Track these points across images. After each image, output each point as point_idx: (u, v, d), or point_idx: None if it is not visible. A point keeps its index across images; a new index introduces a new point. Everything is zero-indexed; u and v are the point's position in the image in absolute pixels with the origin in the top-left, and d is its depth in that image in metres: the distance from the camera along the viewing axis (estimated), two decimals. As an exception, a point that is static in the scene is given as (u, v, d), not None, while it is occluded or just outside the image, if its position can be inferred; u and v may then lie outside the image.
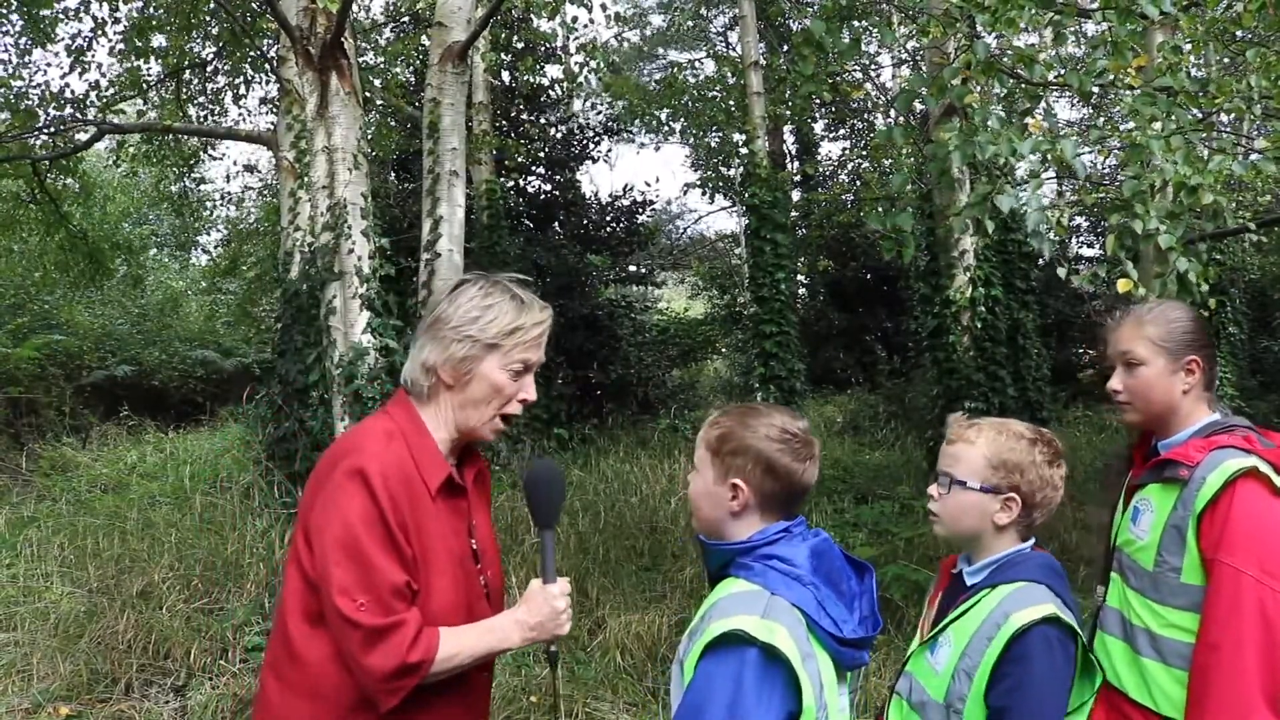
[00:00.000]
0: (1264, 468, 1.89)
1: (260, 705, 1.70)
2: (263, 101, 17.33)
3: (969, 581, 1.87)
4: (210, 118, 11.44)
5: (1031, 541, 1.87)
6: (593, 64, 8.14)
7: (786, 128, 16.83)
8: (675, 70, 14.74)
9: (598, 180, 55.47)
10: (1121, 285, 3.77)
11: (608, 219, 13.78)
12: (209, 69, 11.10)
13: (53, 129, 9.89)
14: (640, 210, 13.80)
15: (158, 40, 10.20)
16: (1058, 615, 1.68)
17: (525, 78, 12.33)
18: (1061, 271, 5.34)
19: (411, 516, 1.62)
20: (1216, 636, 1.84)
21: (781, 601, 1.49)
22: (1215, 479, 1.90)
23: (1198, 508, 1.91)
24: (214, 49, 10.88)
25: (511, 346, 1.71)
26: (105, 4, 9.64)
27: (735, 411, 1.67)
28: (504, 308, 1.71)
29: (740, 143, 11.15)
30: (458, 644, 1.63)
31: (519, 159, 12.23)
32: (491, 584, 1.81)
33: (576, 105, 14.68)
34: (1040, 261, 13.85)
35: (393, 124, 12.54)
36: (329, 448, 1.75)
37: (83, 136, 10.21)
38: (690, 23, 20.60)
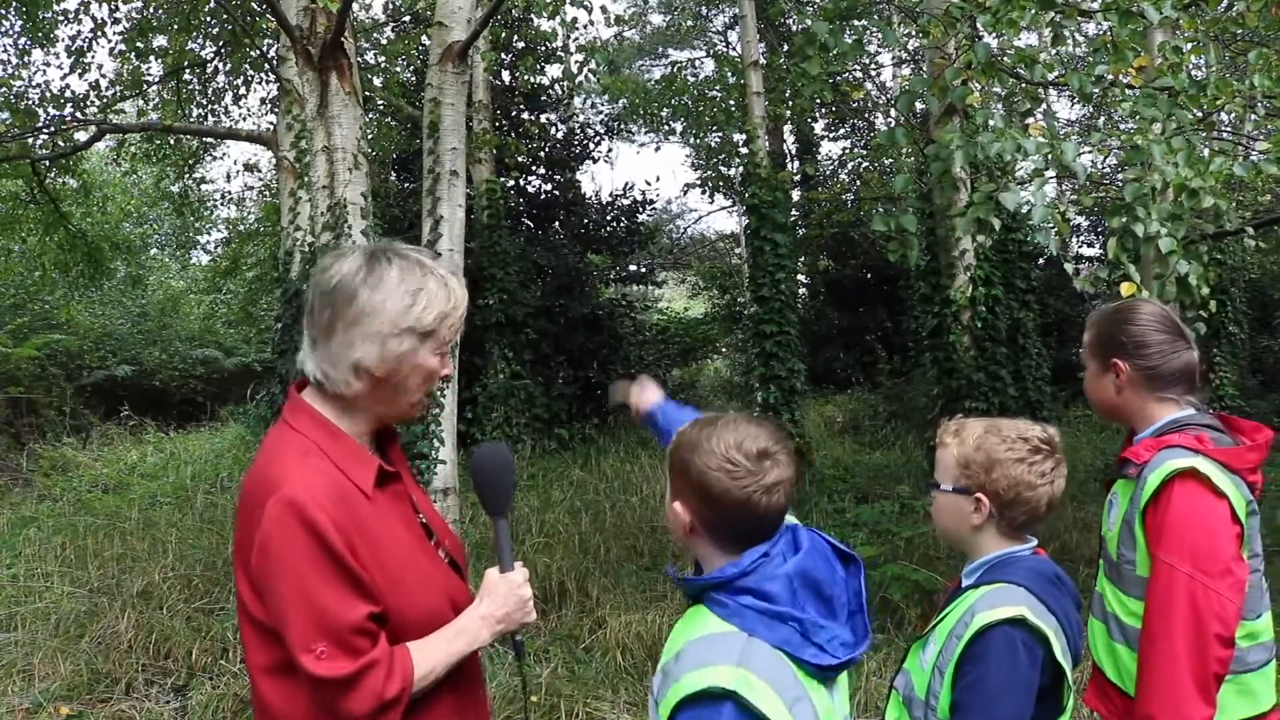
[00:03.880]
0: (1205, 467, 1.95)
1: None
2: (263, 101, 17.33)
3: (964, 583, 1.89)
4: (210, 118, 11.44)
5: (1032, 544, 1.87)
6: (593, 64, 8.14)
7: (786, 128, 16.83)
8: (675, 70, 14.74)
9: (598, 180, 55.46)
10: (1125, 289, 3.77)
11: (608, 218, 13.77)
12: (209, 69, 11.09)
13: (53, 129, 9.88)
14: (640, 210, 13.79)
15: (158, 41, 10.20)
16: (1025, 617, 1.67)
17: (525, 77, 12.33)
18: (1069, 267, 5.33)
19: (358, 531, 1.49)
20: (1153, 629, 1.94)
21: (760, 645, 1.38)
22: (1154, 479, 1.98)
23: (1141, 505, 2.00)
24: (214, 49, 10.87)
25: (446, 330, 1.59)
26: (105, 4, 9.64)
27: (700, 424, 1.51)
28: (432, 289, 1.56)
29: (740, 143, 11.15)
30: (430, 659, 1.54)
31: (519, 158, 12.22)
32: (452, 552, 1.72)
33: (577, 103, 14.68)
34: (1040, 261, 13.89)
35: (393, 124, 12.54)
36: (247, 477, 1.56)
37: (83, 136, 10.22)
38: (690, 22, 20.60)
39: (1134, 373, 2.10)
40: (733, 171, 16.84)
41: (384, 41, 13.04)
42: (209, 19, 10.30)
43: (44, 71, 35.97)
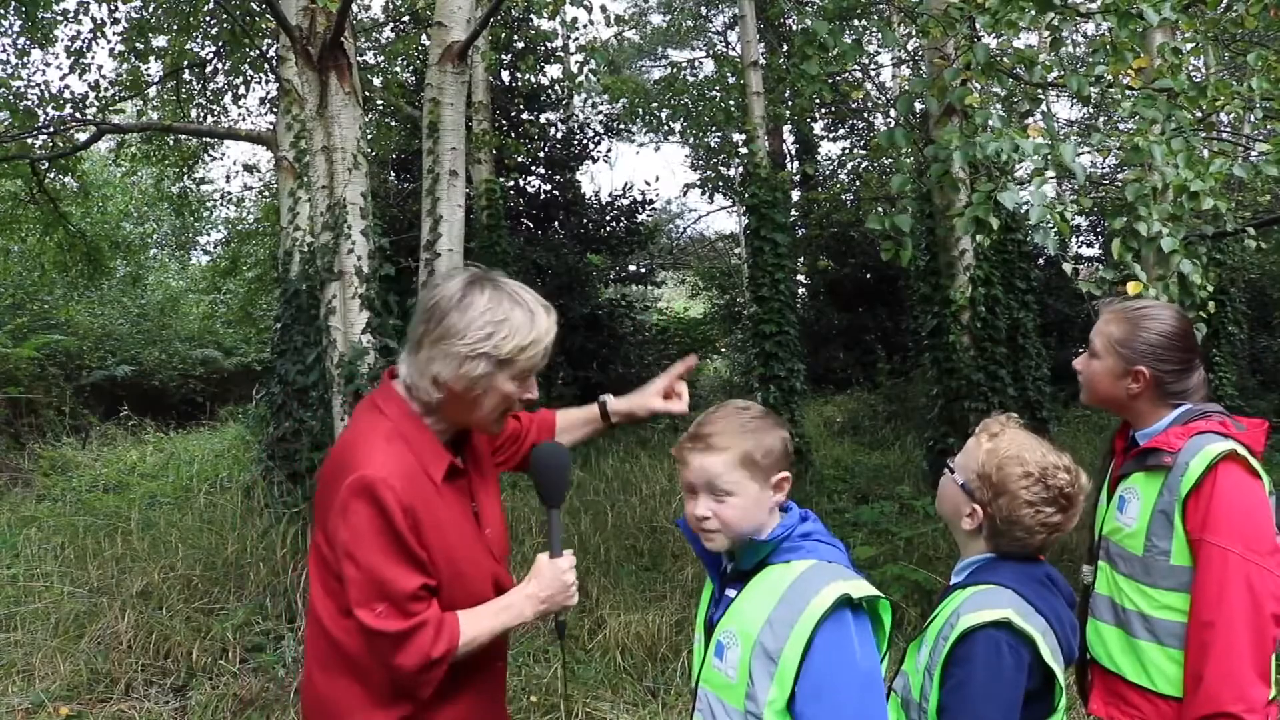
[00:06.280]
0: (1241, 450, 1.98)
1: (308, 696, 1.80)
2: (263, 101, 17.32)
3: (952, 581, 1.89)
4: (210, 118, 11.43)
5: None
6: (592, 64, 8.14)
7: (786, 128, 16.82)
8: (675, 70, 14.73)
9: (598, 180, 55.40)
10: (1132, 288, 3.77)
11: (608, 218, 13.77)
12: (209, 69, 11.08)
13: (52, 129, 9.88)
14: (640, 210, 13.79)
15: (158, 41, 10.20)
16: (1010, 620, 1.67)
17: (525, 77, 12.33)
18: (1068, 267, 5.32)
19: (426, 513, 1.68)
20: (1210, 614, 1.92)
21: (840, 566, 1.66)
22: (1198, 464, 1.97)
23: (1183, 492, 1.98)
24: (214, 49, 10.87)
25: (525, 361, 1.73)
26: (105, 5, 9.63)
27: (717, 412, 1.75)
28: (517, 322, 1.70)
29: (740, 143, 11.14)
30: (476, 627, 1.73)
31: (519, 159, 12.21)
32: (492, 541, 1.88)
33: (577, 103, 14.67)
34: (1040, 261, 13.87)
35: (393, 124, 12.53)
36: (333, 448, 1.80)
37: (82, 136, 10.21)
38: (690, 22, 20.59)
39: (1155, 383, 2.10)
40: (732, 171, 16.84)
41: (384, 41, 13.03)
42: (209, 19, 10.29)
43: (43, 71, 35.96)
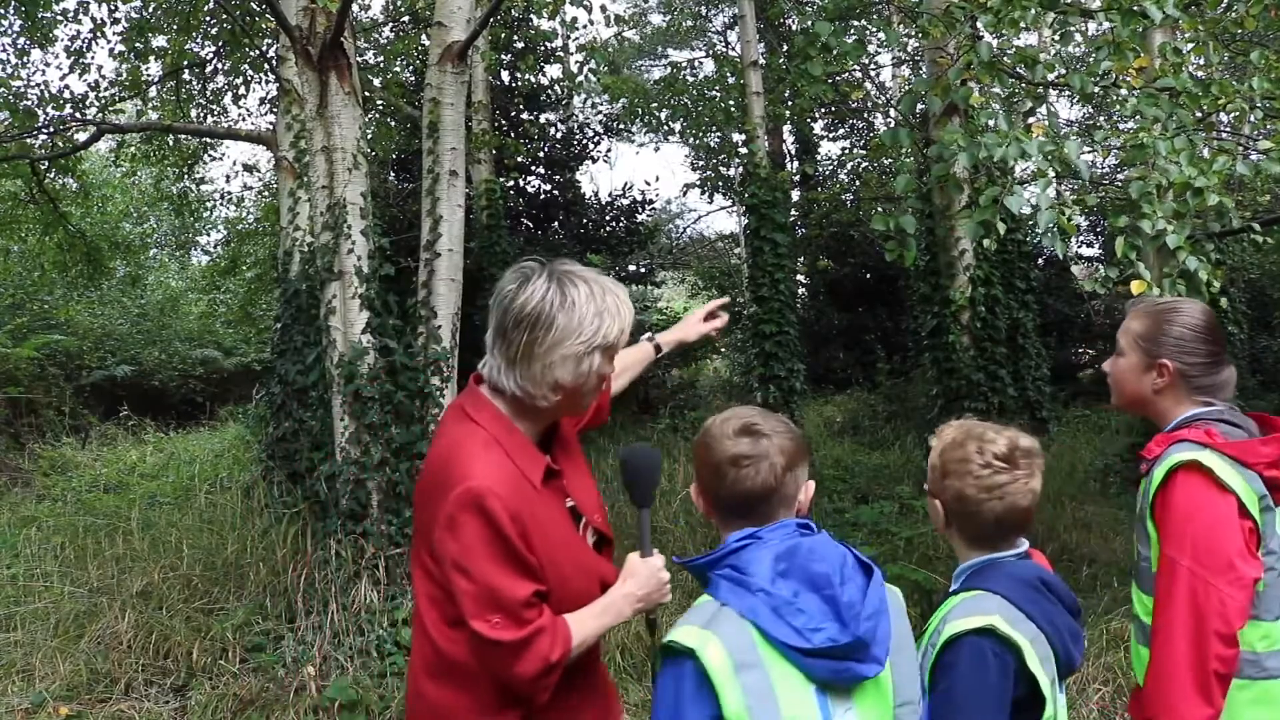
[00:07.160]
0: (1209, 459, 1.91)
1: (416, 702, 1.82)
2: (263, 101, 17.33)
3: (951, 586, 1.88)
4: (210, 118, 11.42)
5: (1020, 549, 1.82)
6: (592, 64, 8.13)
7: (786, 128, 16.81)
8: (675, 70, 14.73)
9: (597, 180, 55.40)
10: (1136, 286, 3.76)
11: (607, 218, 13.75)
12: (209, 69, 11.08)
13: (52, 129, 9.87)
14: (640, 209, 13.78)
15: (158, 41, 10.19)
16: (995, 627, 1.65)
17: (525, 77, 12.31)
18: (1076, 269, 5.33)
19: (531, 519, 1.69)
20: (1157, 622, 1.92)
21: (728, 611, 1.51)
22: (1159, 473, 1.96)
23: (1149, 499, 1.99)
24: (214, 49, 10.86)
25: (621, 340, 1.78)
26: (105, 4, 9.63)
27: (710, 420, 1.72)
28: (612, 307, 1.75)
29: (740, 143, 11.14)
30: (583, 629, 1.76)
31: (518, 159, 12.20)
32: (602, 528, 1.91)
33: (576, 103, 14.67)
34: (1040, 261, 13.87)
35: (393, 124, 12.52)
36: (430, 459, 1.80)
37: (82, 136, 10.20)
38: (690, 22, 20.59)
39: (1179, 376, 2.06)
40: (732, 171, 16.84)
41: (384, 41, 13.02)
42: (209, 19, 10.28)
43: (43, 71, 35.99)
